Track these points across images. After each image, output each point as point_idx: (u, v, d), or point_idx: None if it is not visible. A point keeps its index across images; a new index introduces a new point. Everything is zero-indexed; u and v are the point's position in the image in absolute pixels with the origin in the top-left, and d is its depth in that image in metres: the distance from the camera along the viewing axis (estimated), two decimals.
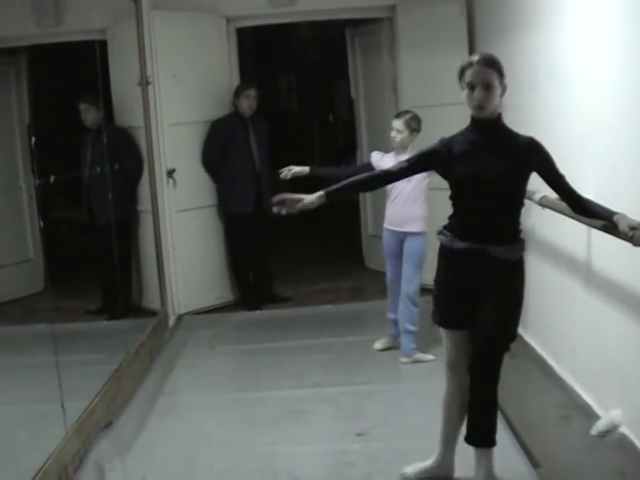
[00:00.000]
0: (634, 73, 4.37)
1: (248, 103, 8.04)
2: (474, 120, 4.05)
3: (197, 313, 8.02)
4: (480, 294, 4.06)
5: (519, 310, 4.16)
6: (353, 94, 9.53)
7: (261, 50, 15.08)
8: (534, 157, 4.01)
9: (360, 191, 4.99)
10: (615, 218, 3.92)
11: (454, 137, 4.12)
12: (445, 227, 4.16)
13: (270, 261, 8.51)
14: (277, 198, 3.99)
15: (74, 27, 7.87)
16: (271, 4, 8.22)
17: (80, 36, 7.87)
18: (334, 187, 4.11)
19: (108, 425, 5.28)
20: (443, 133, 4.22)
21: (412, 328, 6.20)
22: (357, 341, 6.80)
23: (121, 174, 7.28)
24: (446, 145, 4.08)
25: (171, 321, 7.69)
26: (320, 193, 4.03)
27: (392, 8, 8.29)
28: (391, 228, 6.29)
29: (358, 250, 9.55)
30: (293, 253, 9.81)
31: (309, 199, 4.01)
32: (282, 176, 6.13)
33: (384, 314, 6.60)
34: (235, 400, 5.81)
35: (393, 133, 6.23)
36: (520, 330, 6.26)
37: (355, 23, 9.24)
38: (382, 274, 6.67)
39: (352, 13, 8.63)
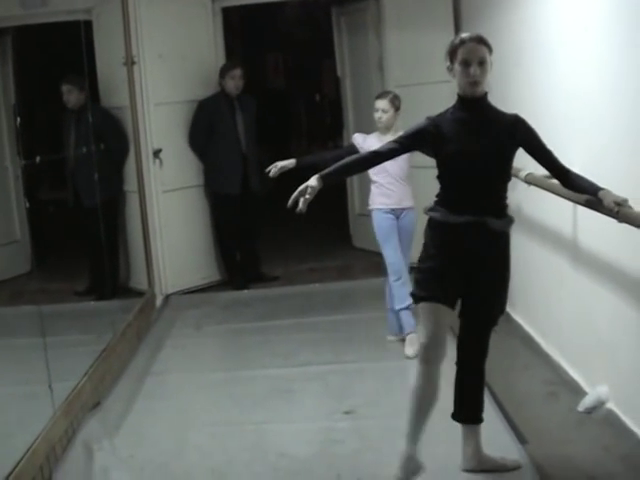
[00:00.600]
0: (618, 51, 4.39)
1: (234, 83, 7.98)
2: (461, 98, 4.05)
3: (184, 293, 8.03)
4: (476, 268, 4.07)
5: (508, 283, 4.21)
6: (339, 73, 9.49)
7: (248, 29, 15.01)
8: (520, 133, 4.03)
9: (352, 173, 4.90)
10: (600, 194, 3.92)
11: (441, 115, 4.11)
12: (436, 203, 4.14)
13: (258, 241, 8.50)
14: (291, 201, 3.96)
15: (60, 7, 7.81)
16: None
17: (65, 16, 7.80)
18: (327, 171, 4.07)
19: (96, 405, 5.28)
20: (430, 111, 4.21)
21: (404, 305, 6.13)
22: (346, 319, 6.82)
23: (105, 155, 7.26)
24: (434, 124, 4.06)
25: (158, 301, 7.69)
26: (316, 176, 3.98)
27: None
28: (389, 207, 6.19)
29: (345, 229, 9.54)
30: (280, 232, 9.75)
31: (312, 185, 3.94)
32: (271, 174, 5.97)
33: (372, 292, 6.64)
34: (223, 379, 5.83)
35: (378, 114, 6.17)
36: (507, 308, 6.33)
37: (341, 2, 9.21)
38: (369, 252, 6.67)
39: None
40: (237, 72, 8.00)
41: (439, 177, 4.13)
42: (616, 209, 3.78)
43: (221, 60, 8.48)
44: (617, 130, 4.46)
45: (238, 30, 14.94)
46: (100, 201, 6.72)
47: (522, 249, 6.00)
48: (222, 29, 8.55)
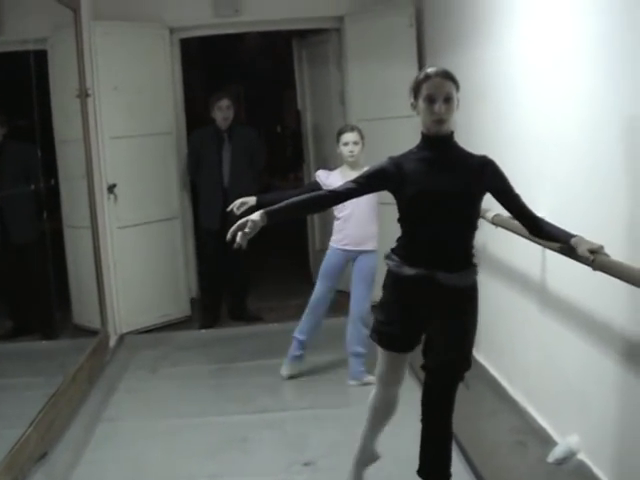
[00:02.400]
0: (588, 88, 4.22)
1: (222, 114, 7.83)
2: (425, 137, 3.85)
3: (140, 332, 7.77)
4: (431, 322, 3.88)
5: (472, 338, 3.99)
6: (300, 106, 9.36)
7: (208, 61, 14.86)
8: (488, 176, 3.82)
9: (304, 213, 4.56)
10: (573, 241, 3.71)
11: (404, 155, 3.90)
12: (393, 251, 3.93)
13: (245, 280, 8.34)
14: (229, 235, 3.73)
15: (13, 37, 7.58)
16: (215, 14, 8.03)
17: (19, 46, 7.57)
18: (275, 208, 3.82)
19: (43, 456, 5.01)
20: (392, 147, 4.05)
21: (362, 350, 6.00)
22: (308, 362, 6.57)
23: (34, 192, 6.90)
24: (396, 164, 3.84)
25: (112, 341, 7.44)
26: (260, 212, 3.74)
27: (340, 19, 8.11)
28: (345, 248, 6.04)
29: (305, 265, 9.37)
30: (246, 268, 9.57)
31: (253, 220, 3.69)
32: (235, 212, 5.79)
33: (332, 333, 6.41)
34: (178, 427, 5.56)
35: (349, 147, 5.98)
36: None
37: (302, 34, 9.07)
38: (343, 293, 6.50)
39: (299, 24, 8.43)
40: (224, 103, 7.84)
41: (399, 220, 3.92)
42: (592, 257, 3.59)
43: (179, 93, 8.35)
44: (585, 171, 4.30)
45: (199, 62, 14.79)
46: (28, 239, 6.44)
47: (487, 290, 5.79)
48: (180, 61, 8.37)
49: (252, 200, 5.77)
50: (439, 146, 3.83)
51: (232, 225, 3.70)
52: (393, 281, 3.90)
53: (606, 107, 4.05)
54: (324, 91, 8.80)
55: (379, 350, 4.00)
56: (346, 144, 5.98)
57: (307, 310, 6.24)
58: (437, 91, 3.73)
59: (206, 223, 7.96)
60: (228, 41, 12.94)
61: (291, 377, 6.27)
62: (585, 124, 4.29)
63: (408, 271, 3.80)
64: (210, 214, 7.86)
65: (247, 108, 17.11)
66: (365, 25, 7.86)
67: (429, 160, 3.81)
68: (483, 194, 3.88)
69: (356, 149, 5.95)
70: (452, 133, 3.85)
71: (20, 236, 6.98)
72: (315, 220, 9.06)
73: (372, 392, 4.17)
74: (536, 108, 4.96)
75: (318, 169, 6.46)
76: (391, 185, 3.88)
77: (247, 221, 3.68)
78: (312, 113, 9.16)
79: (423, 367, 4.02)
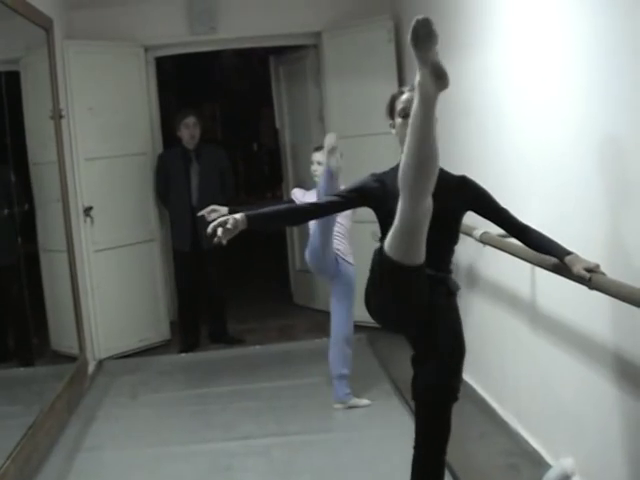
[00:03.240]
0: (576, 103, 4.11)
1: (188, 132, 7.70)
2: None
3: (120, 357, 7.61)
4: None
5: (459, 356, 3.84)
6: (278, 124, 9.24)
7: (183, 79, 14.74)
8: (468, 194, 3.74)
9: (284, 224, 4.36)
10: (567, 259, 3.58)
11: (385, 173, 3.81)
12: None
13: (223, 302, 8.19)
14: (210, 228, 3.60)
15: None
16: (191, 32, 7.91)
17: None
18: (256, 212, 3.73)
19: None
20: (372, 163, 3.95)
21: (346, 372, 5.87)
22: (289, 385, 6.45)
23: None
24: (378, 180, 3.76)
25: (91, 367, 7.27)
26: (242, 214, 3.62)
27: (317, 35, 8.00)
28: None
29: (286, 286, 9.25)
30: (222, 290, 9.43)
31: (236, 218, 3.57)
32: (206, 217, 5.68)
33: (315, 354, 6.35)
34: (159, 456, 5.39)
35: (314, 166, 5.90)
36: None
37: (279, 51, 8.96)
38: (310, 310, 6.33)
39: (276, 40, 8.32)
40: (190, 120, 7.70)
41: (381, 239, 3.79)
42: (588, 276, 3.46)
43: (155, 112, 8.23)
44: (571, 186, 4.19)
45: (173, 80, 14.65)
46: (5, 263, 6.30)
47: (476, 309, 5.73)
48: (155, 79, 8.25)
49: (224, 210, 5.62)
50: None
51: (204, 248, 3.55)
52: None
53: (590, 122, 3.95)
54: (302, 108, 8.69)
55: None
56: (312, 163, 5.91)
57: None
58: (411, 104, 3.59)
59: (177, 245, 7.90)
60: (204, 60, 12.85)
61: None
62: (570, 139, 4.19)
63: None
64: (180, 236, 7.78)
65: (223, 127, 17.04)
66: (343, 41, 7.76)
67: None
68: (463, 213, 3.79)
69: (319, 169, 5.80)
70: None
71: None
72: (295, 239, 8.94)
73: None
74: (521, 123, 4.86)
75: (296, 187, 6.35)
76: (373, 201, 3.78)
77: (229, 218, 3.57)
78: (290, 131, 9.05)
79: (413, 397, 3.88)
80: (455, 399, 3.83)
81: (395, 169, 3.73)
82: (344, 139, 7.02)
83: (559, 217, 4.32)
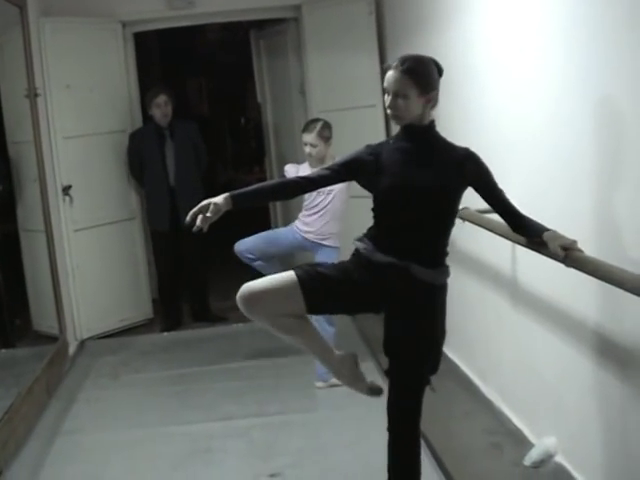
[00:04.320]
0: (555, 73, 4.03)
1: (160, 111, 7.52)
2: (404, 127, 3.63)
3: (101, 337, 7.53)
4: (396, 316, 3.66)
5: (441, 341, 3.78)
6: (260, 98, 9.15)
7: (167, 55, 14.58)
8: (470, 170, 3.58)
9: (273, 199, 4.13)
10: (545, 235, 3.49)
11: (382, 144, 3.70)
12: (365, 236, 3.70)
13: (204, 280, 8.11)
14: (189, 217, 3.50)
15: None
16: (169, 6, 7.79)
17: None
18: (242, 191, 3.61)
19: None
20: (355, 137, 3.84)
21: None
22: (271, 365, 6.38)
23: None
24: (373, 152, 3.62)
25: (73, 347, 7.20)
26: (225, 195, 3.51)
27: (297, 8, 7.88)
28: (306, 237, 5.88)
29: None
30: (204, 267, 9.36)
31: (216, 202, 3.47)
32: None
33: None
34: (139, 438, 5.33)
35: (307, 149, 5.78)
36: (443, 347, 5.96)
37: (260, 24, 8.84)
38: None
39: (255, 14, 8.20)
40: (161, 99, 7.51)
41: (373, 210, 3.68)
42: (563, 254, 3.38)
43: (134, 89, 8.11)
44: (552, 163, 4.11)
45: (157, 55, 14.50)
46: None
47: (458, 283, 5.62)
48: (134, 55, 8.15)
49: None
50: (418, 137, 3.61)
51: (182, 226, 3.45)
52: (361, 262, 3.63)
53: (572, 94, 3.86)
54: (284, 83, 8.58)
55: (279, 277, 3.58)
56: (305, 144, 5.80)
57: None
58: (389, 85, 3.53)
59: (155, 224, 7.75)
60: (188, 34, 12.69)
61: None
62: (551, 113, 4.11)
63: (381, 257, 3.57)
64: (158, 215, 7.65)
65: (210, 102, 16.89)
66: (323, 14, 7.63)
67: (407, 151, 3.60)
68: (463, 189, 3.65)
69: (314, 151, 5.72)
70: (432, 122, 3.63)
71: None
72: (278, 212, 8.85)
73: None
74: (502, 97, 4.78)
75: (282, 163, 6.26)
76: (366, 175, 3.66)
77: (209, 204, 3.47)
78: (272, 105, 8.96)
79: (387, 372, 3.79)
80: (426, 382, 3.76)
81: (391, 141, 3.67)
82: (326, 113, 6.98)
83: (542, 192, 4.25)
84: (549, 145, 4.16)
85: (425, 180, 3.53)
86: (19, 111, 7.10)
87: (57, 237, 7.08)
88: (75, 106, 7.34)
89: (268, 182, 3.74)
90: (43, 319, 7.44)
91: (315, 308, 3.60)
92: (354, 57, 7.32)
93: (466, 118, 5.37)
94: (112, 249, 7.73)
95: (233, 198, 3.52)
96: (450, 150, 3.63)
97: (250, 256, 5.98)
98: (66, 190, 7.26)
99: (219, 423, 5.44)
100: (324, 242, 5.83)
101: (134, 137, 7.72)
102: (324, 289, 3.55)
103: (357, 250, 3.68)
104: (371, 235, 3.67)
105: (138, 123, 8.12)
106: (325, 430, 5.19)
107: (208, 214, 3.45)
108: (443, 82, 5.57)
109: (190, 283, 8.11)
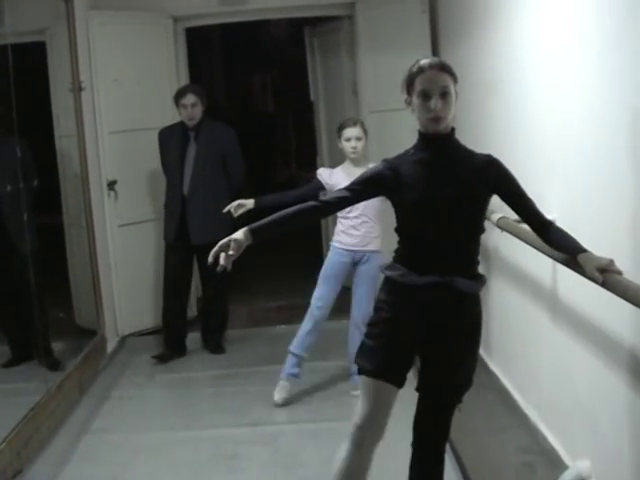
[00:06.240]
0: (600, 75, 3.83)
1: (186, 113, 6.81)
2: (423, 136, 3.48)
3: (143, 334, 7.46)
4: (438, 337, 3.50)
5: (478, 353, 3.67)
6: (312, 97, 9.00)
7: (232, 50, 14.52)
8: (494, 177, 3.44)
9: (295, 227, 3.90)
10: (581, 258, 3.32)
11: (400, 157, 3.54)
12: (394, 260, 3.56)
13: (224, 311, 7.24)
14: (211, 256, 3.33)
15: (9, 28, 7.28)
16: (221, 2, 7.69)
17: (17, 38, 7.26)
18: (261, 223, 3.45)
19: (16, 474, 4.70)
20: (406, 139, 3.65)
21: None
22: (307, 368, 6.20)
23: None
24: (392, 167, 3.48)
25: (113, 343, 7.15)
26: (245, 230, 3.37)
27: (351, 5, 7.72)
28: (349, 248, 5.70)
29: (320, 262, 8.95)
30: (247, 265, 9.21)
31: (236, 239, 3.33)
32: (234, 214, 5.44)
33: (342, 335, 6.02)
34: (165, 441, 5.27)
35: (352, 143, 5.62)
36: (484, 357, 5.79)
37: (314, 22, 8.71)
38: (344, 289, 6.06)
39: (308, 11, 8.10)
40: (188, 100, 6.78)
41: (398, 229, 3.55)
42: (601, 279, 3.20)
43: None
44: (601, 169, 3.90)
45: (220, 51, 14.48)
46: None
47: (500, 294, 5.50)
48: (185, 51, 8.06)
49: (250, 203, 5.43)
50: (438, 146, 3.47)
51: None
52: (396, 292, 3.51)
53: (611, 98, 3.67)
54: (336, 82, 8.44)
55: (361, 389, 3.59)
56: (348, 140, 5.64)
57: (307, 319, 5.81)
58: (432, 85, 3.37)
59: (164, 234, 7.05)
60: (253, 29, 12.62)
61: (285, 403, 5.72)
62: (590, 116, 3.92)
63: (418, 279, 3.42)
64: (167, 225, 6.97)
65: (275, 98, 16.80)
66: (377, 12, 7.49)
67: (428, 162, 3.46)
68: (489, 196, 3.52)
69: (359, 145, 5.61)
70: (453, 130, 3.49)
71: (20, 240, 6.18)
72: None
73: (340, 454, 3.69)
74: (545, 99, 4.59)
75: (333, 162, 6.11)
76: (387, 191, 3.54)
77: (230, 241, 3.33)
78: (325, 104, 8.81)
79: (418, 389, 3.64)
80: (459, 400, 3.66)
81: (410, 153, 3.51)
82: (377, 113, 6.84)
83: (583, 201, 4.07)
84: (594, 146, 3.94)
85: (451, 190, 3.39)
86: (66, 105, 7.07)
87: (100, 232, 7.05)
88: (122, 101, 7.27)
89: (287, 210, 3.53)
90: (85, 314, 7.40)
91: (403, 379, 3.53)
92: (407, 56, 6.97)
93: (512, 120, 5.20)
94: (154, 246, 7.57)
95: (252, 232, 3.38)
96: (471, 157, 3.50)
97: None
98: (111, 185, 7.21)
99: (247, 429, 5.35)
100: (368, 247, 5.68)
101: (162, 135, 7.10)
102: (392, 358, 3.50)
103: (389, 279, 3.56)
104: (401, 258, 3.54)
105: None
106: None
107: (230, 252, 3.31)
108: (492, 83, 5.44)
109: (201, 314, 7.49)
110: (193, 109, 6.81)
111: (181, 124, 6.97)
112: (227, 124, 7.29)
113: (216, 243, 3.34)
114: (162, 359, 6.84)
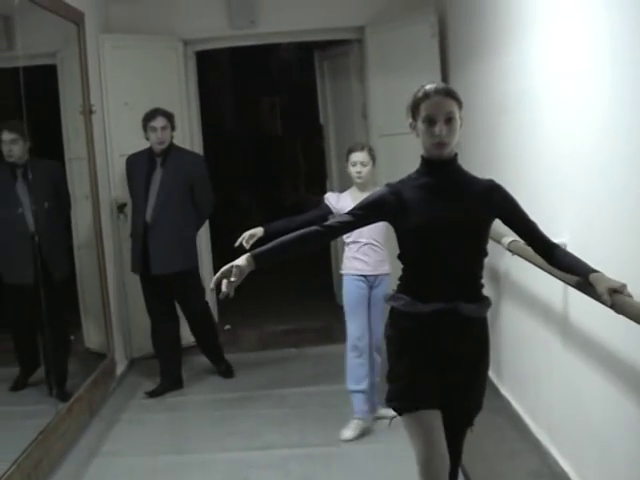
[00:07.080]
0: (611, 98, 3.83)
1: (155, 137, 6.55)
2: (426, 161, 3.49)
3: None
4: (451, 363, 3.50)
5: (487, 375, 3.69)
6: (322, 120, 9.03)
7: (240, 72, 14.57)
8: (497, 201, 3.47)
9: (298, 253, 3.85)
10: (592, 278, 3.32)
11: (402, 182, 3.53)
12: (398, 289, 3.56)
13: (210, 327, 7.09)
14: (213, 283, 3.33)
15: (24, 51, 7.31)
16: (231, 26, 7.71)
17: (28, 61, 7.29)
18: (263, 249, 3.44)
19: None
20: (414, 163, 3.65)
21: (378, 379, 5.63)
22: (318, 392, 6.26)
23: (56, 213, 6.30)
24: (395, 192, 3.47)
25: (122, 366, 7.14)
26: (247, 255, 3.36)
27: (361, 29, 7.74)
28: (363, 274, 5.65)
29: (329, 285, 8.96)
30: (256, 288, 9.20)
31: (238, 265, 3.31)
32: (245, 246, 5.33)
33: (342, 360, 5.99)
34: (175, 464, 5.26)
35: (357, 168, 5.62)
36: (495, 381, 5.77)
37: (324, 45, 8.74)
38: (338, 307, 6.04)
39: (317, 35, 8.10)
40: (158, 122, 6.55)
41: (401, 256, 3.55)
42: (610, 302, 3.19)
43: (195, 107, 8.02)
44: (612, 190, 3.90)
45: (228, 73, 14.51)
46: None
47: (511, 318, 5.49)
48: (196, 74, 8.08)
49: (259, 231, 5.39)
50: (441, 171, 3.48)
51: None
52: (404, 323, 3.51)
53: (623, 122, 3.67)
54: (346, 105, 8.46)
55: (409, 430, 3.51)
56: (354, 164, 5.64)
57: (351, 353, 5.63)
58: (437, 111, 3.38)
59: (131, 266, 6.84)
60: (261, 53, 12.65)
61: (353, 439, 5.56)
62: (602, 136, 3.92)
63: (424, 307, 3.43)
64: (132, 254, 6.76)
65: (283, 120, 16.83)
66: (387, 36, 7.50)
67: (431, 187, 3.46)
68: (491, 221, 3.54)
69: (364, 170, 5.60)
70: (456, 156, 3.50)
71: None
72: (338, 239, 8.71)
73: None
74: (556, 122, 4.59)
75: (343, 186, 6.10)
76: (390, 216, 3.54)
77: (232, 267, 3.31)
78: (334, 128, 8.83)
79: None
80: (471, 423, 3.69)
81: (412, 177, 3.51)
82: (387, 137, 6.84)
83: (594, 223, 4.06)
84: (606, 169, 3.95)
85: (455, 215, 3.41)
86: (76, 127, 7.09)
87: (110, 254, 7.04)
88: (133, 124, 7.23)
89: (290, 236, 3.51)
90: (95, 337, 7.40)
91: (436, 399, 3.49)
92: (417, 79, 6.96)
93: (524, 141, 5.20)
94: None
95: (255, 258, 3.37)
96: (474, 183, 3.52)
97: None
98: (121, 208, 7.22)
99: (258, 452, 5.33)
100: (379, 271, 5.63)
101: (128, 161, 6.87)
102: (418, 387, 3.48)
103: (394, 310, 3.57)
104: (405, 286, 3.56)
105: (198, 142, 8.06)
106: (366, 465, 5.04)
107: (232, 278, 3.29)
108: (503, 104, 5.44)
109: (196, 338, 7.25)
110: (163, 132, 6.58)
111: (149, 150, 6.73)
112: (238, 142, 7.26)
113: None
114: (153, 395, 6.62)
